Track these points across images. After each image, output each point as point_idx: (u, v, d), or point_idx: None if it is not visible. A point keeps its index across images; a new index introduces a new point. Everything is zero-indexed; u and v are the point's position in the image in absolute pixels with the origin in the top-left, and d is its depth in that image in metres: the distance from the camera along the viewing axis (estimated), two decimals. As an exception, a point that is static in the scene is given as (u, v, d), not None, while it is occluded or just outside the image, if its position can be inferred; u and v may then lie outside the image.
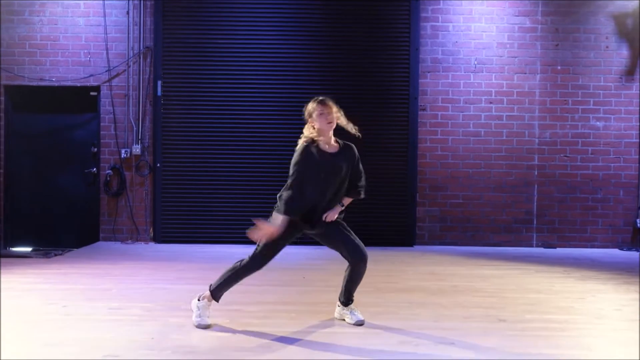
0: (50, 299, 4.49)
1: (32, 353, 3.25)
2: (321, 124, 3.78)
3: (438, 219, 7.98)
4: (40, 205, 7.95)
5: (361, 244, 3.88)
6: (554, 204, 7.99)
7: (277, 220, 3.71)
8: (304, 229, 3.88)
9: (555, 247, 7.92)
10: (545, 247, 7.92)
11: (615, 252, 7.73)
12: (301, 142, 3.85)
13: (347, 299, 4.00)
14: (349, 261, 3.93)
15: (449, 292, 4.98)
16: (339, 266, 5.74)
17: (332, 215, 3.83)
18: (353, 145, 3.95)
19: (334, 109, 3.81)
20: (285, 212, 3.68)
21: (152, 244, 7.75)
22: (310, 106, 3.85)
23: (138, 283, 5.19)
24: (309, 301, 4.61)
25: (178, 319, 4.00)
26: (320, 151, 3.81)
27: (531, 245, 7.98)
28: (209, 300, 3.91)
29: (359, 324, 3.89)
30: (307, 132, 3.86)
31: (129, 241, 7.82)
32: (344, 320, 4.00)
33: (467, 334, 3.73)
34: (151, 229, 7.88)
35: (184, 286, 5.07)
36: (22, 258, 6.51)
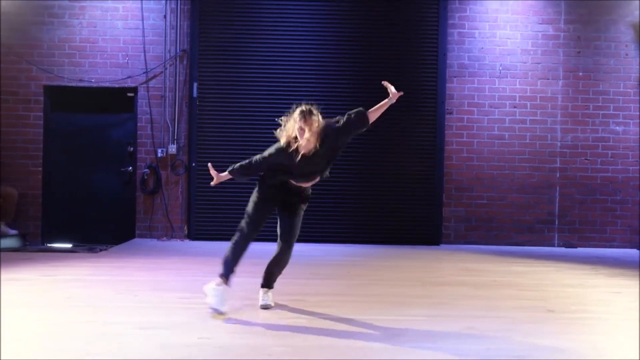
0: (118, 289, 4.73)
1: (129, 336, 3.48)
2: (300, 138, 3.96)
3: (463, 219, 8.25)
4: (77, 203, 8.16)
5: (293, 232, 4.20)
6: (575, 205, 8.28)
7: (223, 173, 4.36)
8: (277, 203, 4.23)
9: (576, 247, 8.20)
10: (566, 247, 8.20)
11: (634, 252, 8.00)
12: (283, 141, 4.06)
13: (265, 282, 4.36)
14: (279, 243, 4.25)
15: (492, 286, 5.25)
16: (378, 262, 6.01)
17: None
18: (328, 128, 4.04)
19: (314, 125, 3.92)
20: (230, 170, 4.34)
21: (186, 241, 7.98)
22: (295, 115, 4.02)
23: (189, 276, 5.41)
24: (362, 293, 4.86)
25: (250, 308, 4.23)
26: (297, 153, 3.98)
27: (553, 245, 8.26)
28: (223, 284, 4.13)
29: (264, 307, 4.20)
30: (290, 132, 4.03)
31: (164, 238, 8.05)
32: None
33: (522, 321, 3.99)
34: (186, 227, 8.11)
35: (237, 279, 5.27)
36: (68, 253, 6.73)
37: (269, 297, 4.32)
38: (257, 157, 4.20)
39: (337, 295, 4.74)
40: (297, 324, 3.85)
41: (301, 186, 4.21)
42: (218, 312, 3.99)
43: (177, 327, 3.69)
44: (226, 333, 3.60)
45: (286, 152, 4.03)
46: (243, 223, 4.23)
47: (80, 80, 8.05)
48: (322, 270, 5.88)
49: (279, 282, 5.03)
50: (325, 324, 3.86)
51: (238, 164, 4.32)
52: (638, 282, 5.59)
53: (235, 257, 4.18)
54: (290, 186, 4.19)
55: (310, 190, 4.35)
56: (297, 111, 4.02)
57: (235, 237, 4.22)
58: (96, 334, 3.49)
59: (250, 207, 4.25)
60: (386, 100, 4.28)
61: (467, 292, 4.98)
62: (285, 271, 5.55)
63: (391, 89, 4.31)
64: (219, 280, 4.14)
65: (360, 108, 4.22)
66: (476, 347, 3.41)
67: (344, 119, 4.13)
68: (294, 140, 4.01)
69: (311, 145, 3.96)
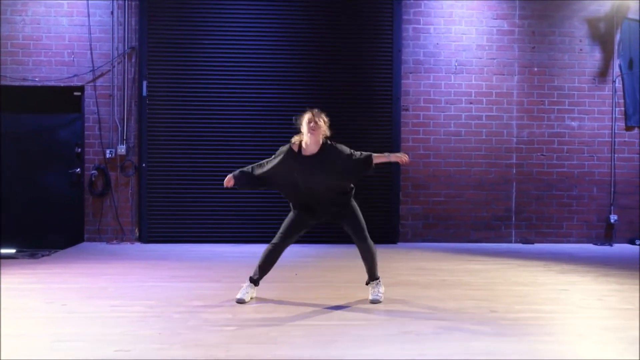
0: (49, 298, 4.50)
1: (41, 350, 3.28)
2: (309, 138, 4.30)
3: (421, 217, 8.17)
4: (23, 206, 7.88)
5: (359, 228, 4.48)
6: (532, 201, 8.27)
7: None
8: (311, 220, 4.54)
9: (533, 243, 8.19)
10: (523, 243, 8.18)
11: (589, 247, 8.04)
12: (288, 145, 4.41)
13: (368, 277, 4.59)
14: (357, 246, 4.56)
15: (440, 286, 5.15)
16: (329, 263, 5.89)
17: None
18: (336, 145, 4.41)
19: (323, 128, 4.31)
20: (233, 174, 4.49)
21: (137, 244, 7.75)
22: (304, 117, 4.32)
23: (133, 282, 5.22)
24: (306, 296, 4.71)
25: (181, 314, 4.06)
26: (301, 155, 4.33)
27: (510, 242, 8.23)
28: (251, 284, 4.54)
29: (373, 302, 4.41)
30: (297, 138, 4.40)
31: (115, 241, 7.80)
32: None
33: (462, 323, 3.89)
34: (137, 229, 7.88)
35: (179, 284, 5.13)
36: (8, 259, 6.45)
37: (371, 292, 4.52)
38: (264, 161, 4.48)
39: (278, 300, 4.58)
40: (228, 333, 3.68)
41: (326, 197, 4.42)
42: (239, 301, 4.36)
43: (95, 338, 3.49)
44: (143, 344, 3.41)
45: (288, 153, 4.35)
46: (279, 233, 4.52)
47: (24, 80, 7.75)
48: (274, 272, 5.70)
49: (217, 288, 4.89)
50: (258, 331, 3.70)
51: (239, 170, 4.51)
52: (638, 280, 5.57)
53: (267, 264, 4.56)
54: (320, 200, 4.43)
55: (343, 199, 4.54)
56: (306, 116, 4.31)
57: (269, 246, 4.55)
58: (6, 349, 3.27)
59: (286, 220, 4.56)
60: (393, 156, 4.60)
61: (414, 292, 4.87)
62: (228, 276, 5.46)
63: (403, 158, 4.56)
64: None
65: (369, 153, 4.47)
66: (409, 352, 3.29)
67: (356, 153, 4.43)
68: (300, 141, 4.36)
69: (314, 147, 4.30)
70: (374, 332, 3.67)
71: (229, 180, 4.49)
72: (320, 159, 4.33)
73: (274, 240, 4.48)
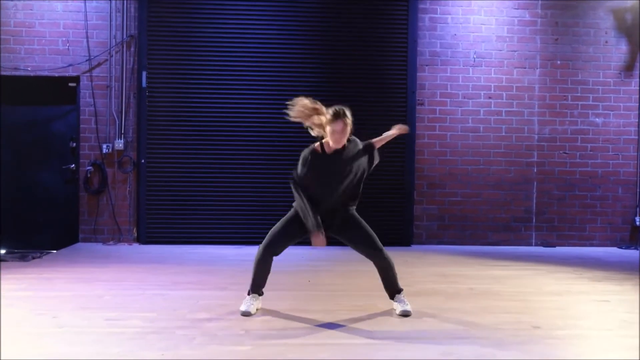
0: (38, 309, 4.04)
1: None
2: (331, 140, 3.83)
3: (436, 218, 7.72)
4: (14, 204, 7.40)
5: (372, 239, 4.00)
6: (553, 201, 7.82)
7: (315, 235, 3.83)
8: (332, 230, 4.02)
9: (554, 246, 7.74)
10: (544, 246, 7.73)
11: (615, 250, 7.60)
12: (311, 147, 3.94)
13: (390, 293, 4.11)
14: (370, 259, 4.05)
15: (469, 296, 4.70)
16: (342, 268, 5.46)
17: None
18: (355, 139, 4.03)
19: (349, 128, 3.84)
20: (311, 227, 3.81)
21: (136, 245, 7.29)
22: (327, 114, 3.83)
23: (131, 289, 4.76)
24: (321, 309, 4.25)
25: (185, 330, 3.60)
26: (325, 154, 3.88)
27: (530, 244, 7.79)
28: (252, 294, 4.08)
29: (404, 314, 3.96)
30: (317, 132, 3.92)
31: (111, 242, 7.34)
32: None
33: (507, 343, 3.43)
34: (135, 229, 7.41)
35: (182, 292, 4.67)
36: (-4, 262, 5.99)
37: (400, 304, 4.05)
38: (297, 176, 3.92)
39: (292, 311, 4.12)
40: (241, 354, 3.22)
41: (340, 206, 3.98)
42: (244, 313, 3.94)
43: (91, 362, 3.03)
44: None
45: (313, 156, 3.87)
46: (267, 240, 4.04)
47: (16, 69, 7.27)
48: (280, 278, 5.24)
49: (223, 297, 4.43)
50: (275, 351, 3.23)
51: (312, 213, 3.82)
52: (638, 282, 5.16)
53: (261, 272, 4.06)
54: (334, 208, 3.96)
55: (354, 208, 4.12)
56: (330, 116, 3.80)
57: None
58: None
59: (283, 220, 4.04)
60: (391, 134, 4.31)
61: (440, 304, 4.42)
62: (234, 282, 5.01)
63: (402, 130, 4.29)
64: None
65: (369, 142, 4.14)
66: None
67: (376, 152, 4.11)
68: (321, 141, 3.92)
69: (340, 143, 3.84)
70: (410, 356, 3.20)
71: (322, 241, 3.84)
72: (345, 154, 3.91)
73: (266, 248, 3.95)
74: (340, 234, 4.01)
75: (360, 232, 3.98)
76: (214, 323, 3.77)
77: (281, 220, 4.03)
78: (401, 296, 4.09)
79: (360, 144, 4.02)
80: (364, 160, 4.00)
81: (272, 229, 4.00)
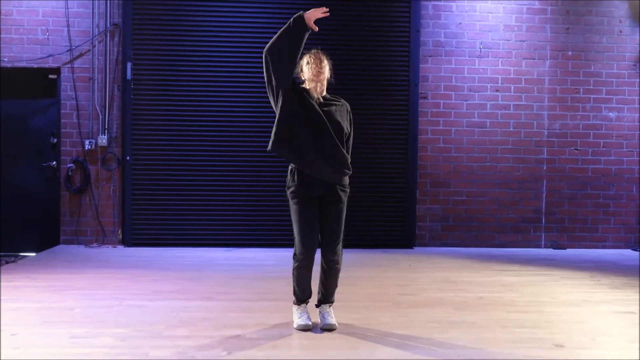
0: (-4, 324, 3.60)
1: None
2: (309, 74, 3.56)
3: (440, 218, 7.28)
4: (-10, 203, 6.97)
5: (338, 237, 3.56)
6: (564, 201, 7.38)
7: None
8: (314, 194, 3.52)
9: (565, 248, 7.31)
10: (554, 248, 7.30)
11: (629, 253, 7.17)
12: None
13: (320, 300, 3.70)
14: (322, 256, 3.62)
15: (478, 306, 4.26)
16: (342, 274, 5.00)
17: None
18: (344, 101, 3.72)
19: (325, 62, 3.61)
20: (293, 19, 3.45)
21: (120, 248, 6.85)
22: (303, 60, 3.61)
23: (107, 299, 4.32)
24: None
25: (160, 350, 3.16)
26: (309, 97, 3.53)
27: (539, 246, 7.35)
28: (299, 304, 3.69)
29: (328, 328, 3.55)
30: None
31: (94, 244, 6.90)
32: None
33: (525, 366, 3.00)
34: (119, 231, 6.97)
35: (162, 302, 4.23)
36: (-34, 267, 5.55)
37: (326, 316, 3.63)
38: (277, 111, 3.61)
39: (283, 326, 3.67)
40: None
41: (330, 152, 3.47)
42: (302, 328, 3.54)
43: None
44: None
45: (297, 88, 3.55)
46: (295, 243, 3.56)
47: (-8, 60, 6.83)
48: (274, 285, 4.82)
49: (208, 309, 3.99)
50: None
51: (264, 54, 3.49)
52: (638, 283, 4.73)
53: (304, 280, 3.61)
54: (323, 157, 3.46)
55: (348, 181, 3.61)
56: (307, 55, 3.62)
57: (293, 264, 3.61)
58: None
59: (294, 219, 3.55)
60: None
61: (448, 316, 3.98)
62: (222, 290, 4.60)
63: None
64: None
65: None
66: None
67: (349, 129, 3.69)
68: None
69: (318, 89, 3.56)
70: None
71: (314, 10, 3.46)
72: (331, 104, 3.60)
73: (300, 259, 3.54)
74: (327, 203, 3.55)
75: (335, 223, 3.54)
76: (193, 341, 3.32)
77: (292, 219, 3.57)
78: (328, 308, 3.67)
79: (348, 106, 3.71)
80: (347, 121, 3.64)
81: (295, 233, 3.55)
